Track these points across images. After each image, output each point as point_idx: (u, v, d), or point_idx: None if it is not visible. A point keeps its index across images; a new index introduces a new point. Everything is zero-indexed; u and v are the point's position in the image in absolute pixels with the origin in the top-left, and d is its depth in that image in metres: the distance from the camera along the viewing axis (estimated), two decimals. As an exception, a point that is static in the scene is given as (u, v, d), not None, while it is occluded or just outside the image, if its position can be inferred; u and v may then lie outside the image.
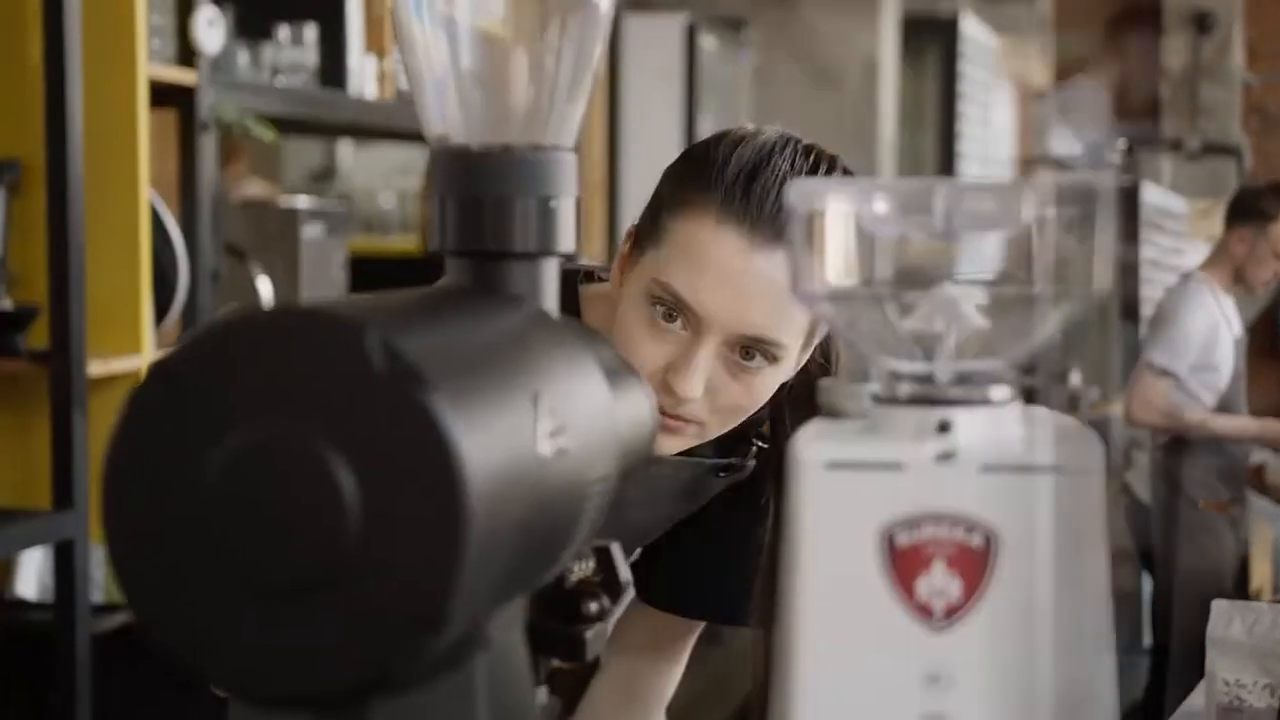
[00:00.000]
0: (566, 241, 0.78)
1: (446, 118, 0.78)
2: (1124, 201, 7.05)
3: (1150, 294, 6.99)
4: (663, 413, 1.22)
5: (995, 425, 0.67)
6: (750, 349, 1.21)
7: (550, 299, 0.78)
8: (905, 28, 6.40)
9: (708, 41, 5.18)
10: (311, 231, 2.94)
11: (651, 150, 5.03)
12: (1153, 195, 7.12)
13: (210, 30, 2.56)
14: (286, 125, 3.13)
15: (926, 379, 0.68)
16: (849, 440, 0.67)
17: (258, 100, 2.81)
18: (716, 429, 1.26)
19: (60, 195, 2.28)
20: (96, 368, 2.35)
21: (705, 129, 5.98)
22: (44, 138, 2.30)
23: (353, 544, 0.58)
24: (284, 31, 2.95)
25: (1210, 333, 4.11)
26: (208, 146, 2.58)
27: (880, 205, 0.67)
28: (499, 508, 0.61)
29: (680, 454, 1.31)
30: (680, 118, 4.90)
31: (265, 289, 2.77)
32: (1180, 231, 7.62)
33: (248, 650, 0.60)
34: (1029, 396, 0.70)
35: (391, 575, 0.58)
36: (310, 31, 2.97)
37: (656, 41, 5.16)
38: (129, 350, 2.43)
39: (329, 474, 0.58)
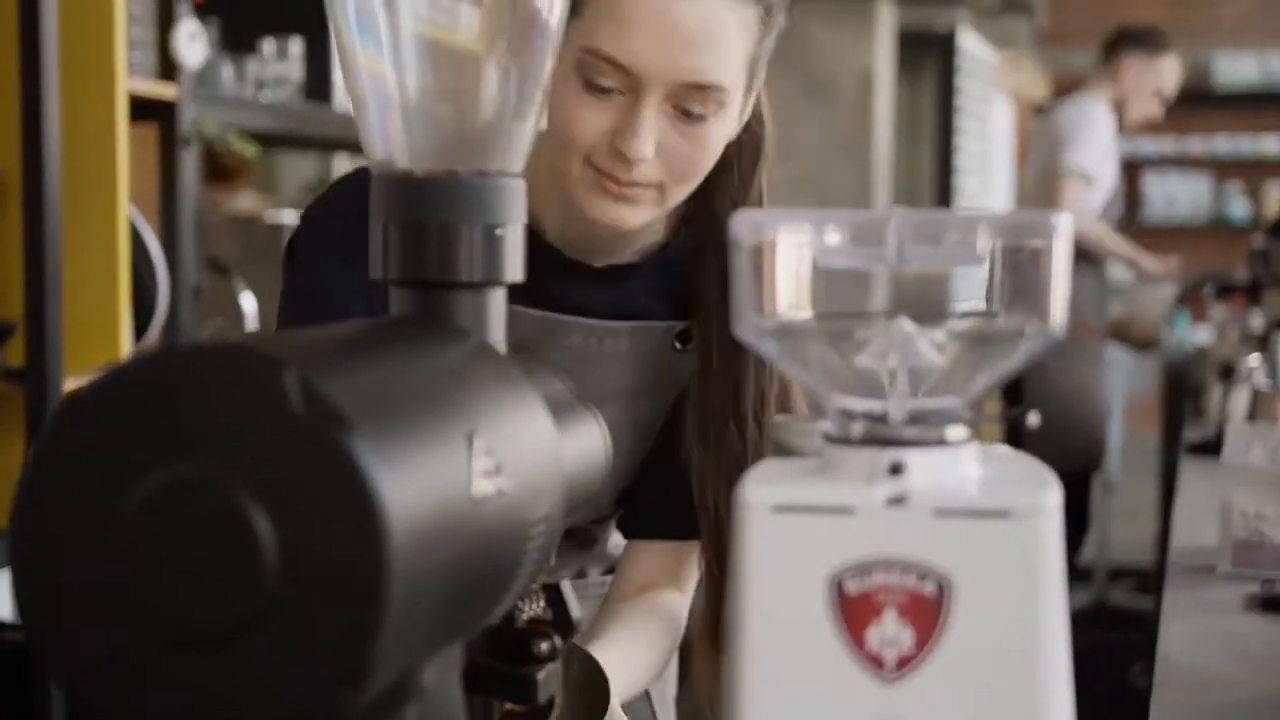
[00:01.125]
0: (514, 270, 0.75)
1: (389, 142, 0.75)
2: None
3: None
4: (617, 181, 1.21)
5: (950, 466, 0.64)
6: (691, 101, 1.19)
7: (497, 330, 0.75)
8: (902, 42, 6.38)
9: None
10: (298, 246, 2.89)
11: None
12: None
13: (192, 44, 2.53)
14: (275, 139, 3.11)
15: (880, 418, 0.65)
16: (797, 482, 0.64)
17: (241, 115, 2.78)
18: (676, 193, 1.25)
19: (37, 209, 2.25)
20: (74, 385, 2.32)
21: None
22: (20, 151, 2.27)
23: (269, 592, 0.55)
24: (269, 45, 2.92)
25: (1108, 145, 4.19)
26: (189, 161, 2.55)
27: (832, 237, 0.64)
28: (425, 553, 0.58)
29: (638, 322, 1.33)
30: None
31: (249, 305, 2.74)
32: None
33: (161, 699, 0.57)
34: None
35: (310, 626, 0.55)
36: (295, 45, 2.95)
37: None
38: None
39: (245, 518, 0.55)
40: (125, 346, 2.41)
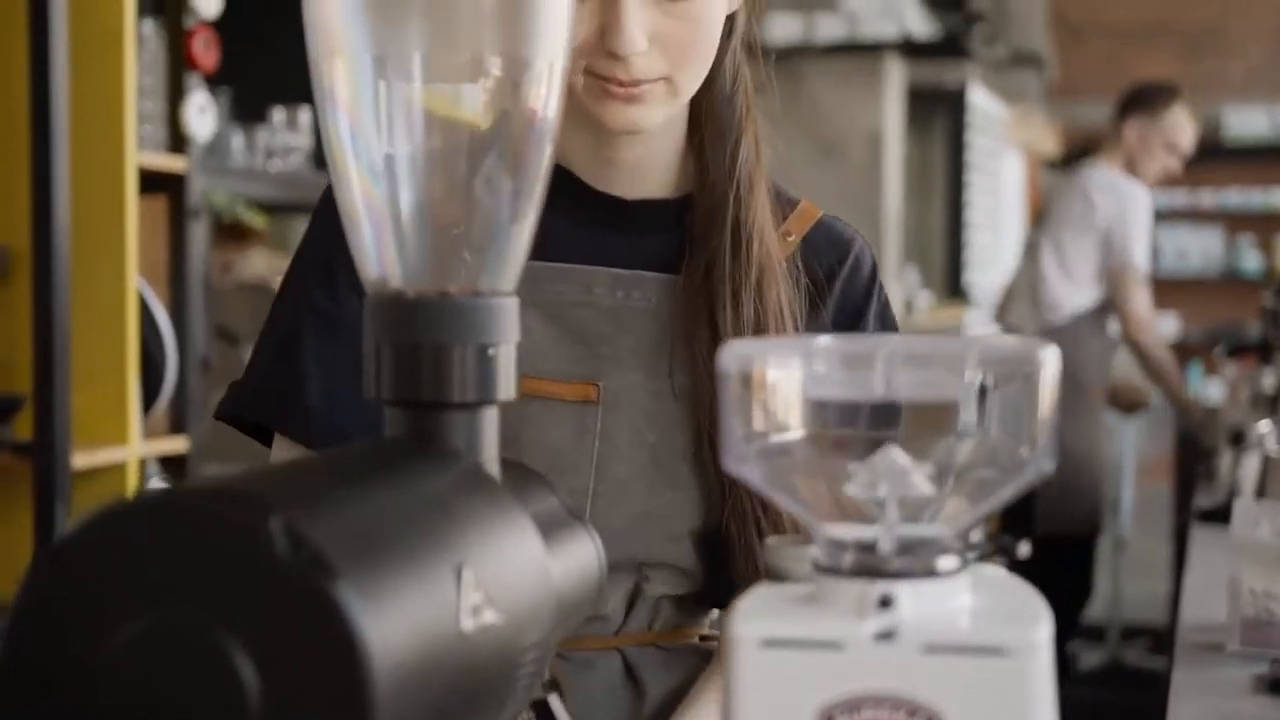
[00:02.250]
0: (506, 389, 0.75)
1: (383, 262, 0.76)
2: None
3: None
4: (620, 83, 1.16)
5: (941, 599, 0.64)
6: None
7: (489, 448, 0.75)
8: (911, 99, 6.40)
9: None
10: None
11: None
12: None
13: (202, 117, 2.55)
14: (285, 207, 3.12)
15: (869, 547, 0.65)
16: (786, 615, 0.64)
17: (250, 185, 2.80)
18: (687, 83, 1.19)
19: (46, 283, 2.26)
20: (82, 459, 2.32)
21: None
22: (30, 225, 2.28)
23: (254, 739, 0.55)
24: (279, 114, 2.94)
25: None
26: (198, 233, 2.56)
27: (819, 367, 0.64)
28: (412, 695, 0.58)
29: (669, 275, 1.25)
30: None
31: (258, 373, 2.72)
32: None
33: (146, 846, 0.57)
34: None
35: (295, 772, 0.55)
36: (305, 114, 2.96)
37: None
38: (116, 441, 2.40)
39: (229, 665, 0.55)
40: (134, 420, 2.41)
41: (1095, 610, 5.34)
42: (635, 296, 1.27)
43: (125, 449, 2.40)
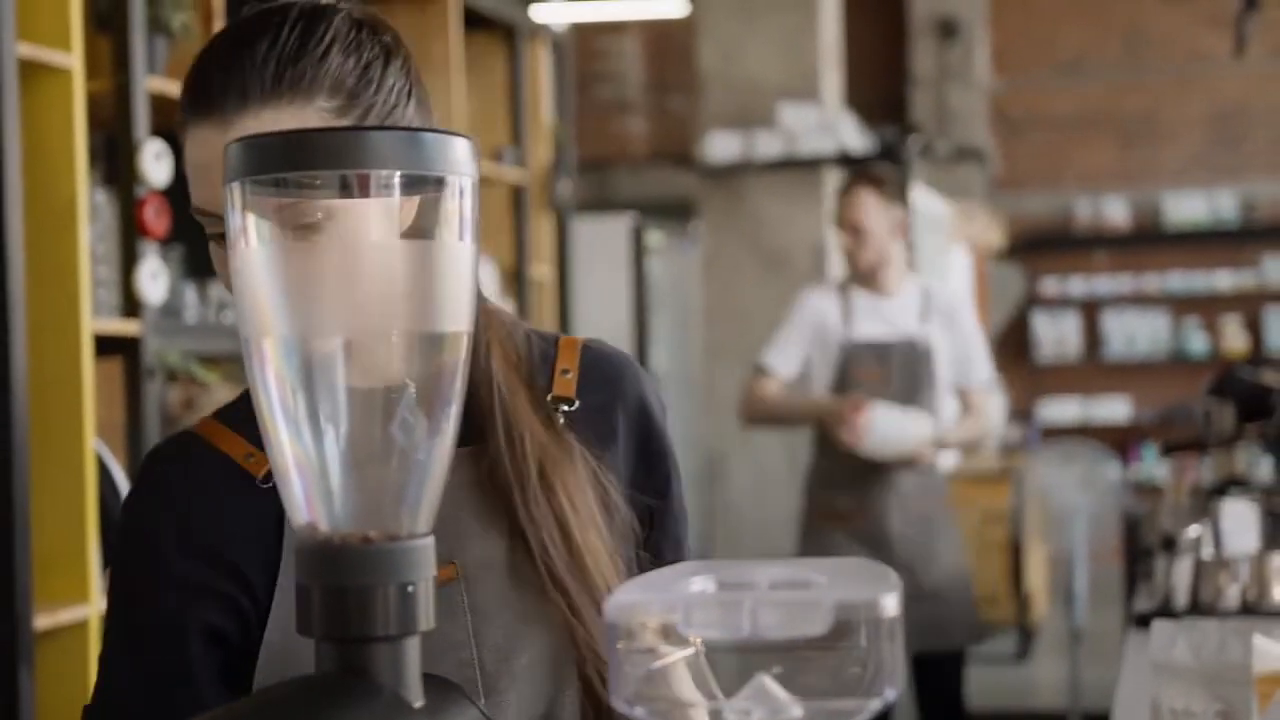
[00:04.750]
0: (426, 619, 0.84)
1: (311, 509, 0.84)
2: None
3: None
4: None
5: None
6: None
7: (412, 674, 0.84)
8: (854, 204, 6.55)
9: (654, 238, 5.30)
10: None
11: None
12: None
13: (154, 282, 2.64)
14: (239, 358, 3.21)
15: (745, 767, 0.74)
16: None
17: (204, 341, 2.89)
18: None
19: (5, 452, 2.34)
20: (44, 620, 2.39)
21: (657, 321, 6.12)
22: (-11, 394, 2.36)
23: None
24: (230, 268, 3.04)
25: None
26: (152, 393, 2.65)
27: (696, 615, 0.73)
28: None
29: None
30: (631, 312, 4.99)
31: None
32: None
33: None
34: None
35: None
36: (256, 264, 3.03)
37: (605, 240, 5.29)
38: (76, 600, 2.47)
39: None
40: (94, 579, 2.48)
41: (1056, 699, 5.41)
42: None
43: (86, 607, 2.47)
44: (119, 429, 2.67)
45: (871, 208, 3.90)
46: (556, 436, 1.27)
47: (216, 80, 1.17)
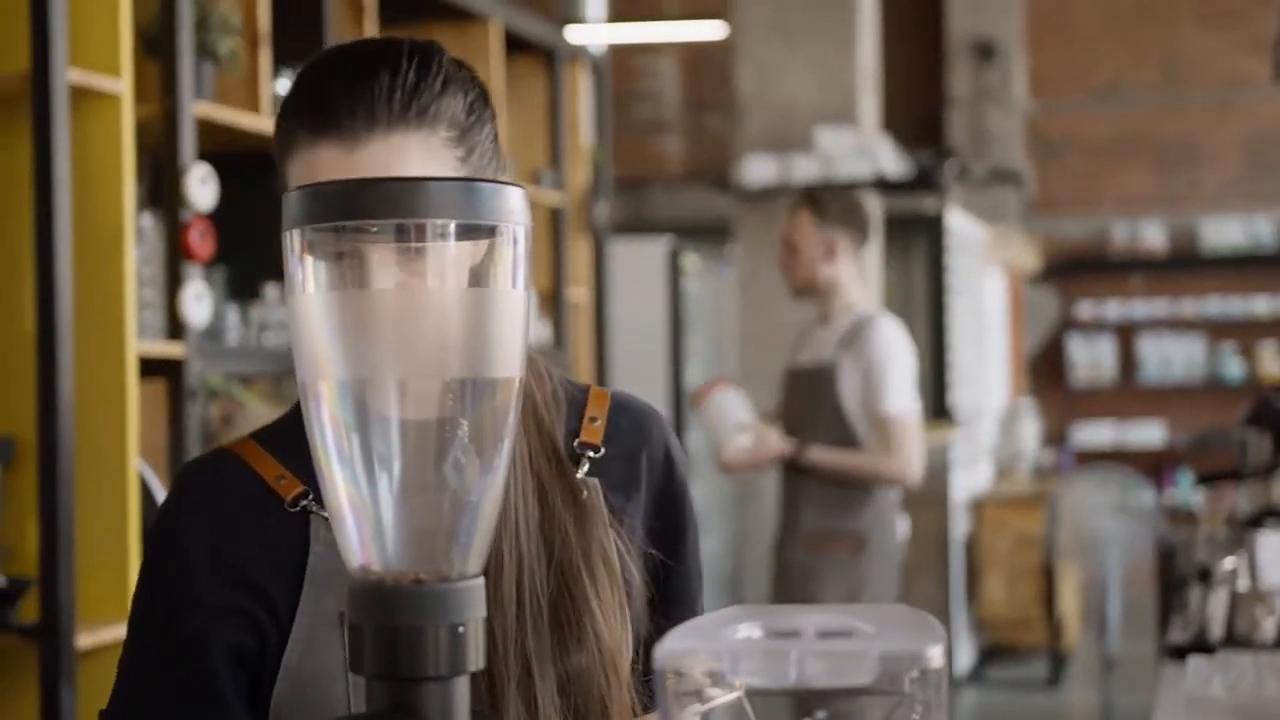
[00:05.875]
0: (476, 659, 0.86)
1: (365, 551, 0.86)
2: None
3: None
4: None
5: None
6: None
7: (461, 713, 0.85)
8: (889, 226, 6.56)
9: (690, 260, 5.32)
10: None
11: (640, 368, 5.17)
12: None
13: (198, 304, 2.67)
14: (280, 378, 3.24)
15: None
16: None
17: (245, 364, 2.92)
18: None
19: (51, 473, 2.37)
20: (86, 639, 2.42)
21: (693, 342, 6.14)
22: (36, 414, 2.40)
23: None
24: (272, 290, 3.07)
25: None
26: (194, 415, 2.68)
27: (743, 664, 0.75)
28: None
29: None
30: (666, 334, 5.01)
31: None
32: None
33: None
34: None
35: None
36: (297, 287, 3.07)
37: (641, 262, 5.31)
38: (118, 619, 2.49)
39: None
40: (136, 598, 2.51)
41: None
42: None
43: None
44: (161, 450, 2.70)
45: (805, 226, 4.00)
46: (567, 487, 1.28)
47: (343, 103, 1.18)
